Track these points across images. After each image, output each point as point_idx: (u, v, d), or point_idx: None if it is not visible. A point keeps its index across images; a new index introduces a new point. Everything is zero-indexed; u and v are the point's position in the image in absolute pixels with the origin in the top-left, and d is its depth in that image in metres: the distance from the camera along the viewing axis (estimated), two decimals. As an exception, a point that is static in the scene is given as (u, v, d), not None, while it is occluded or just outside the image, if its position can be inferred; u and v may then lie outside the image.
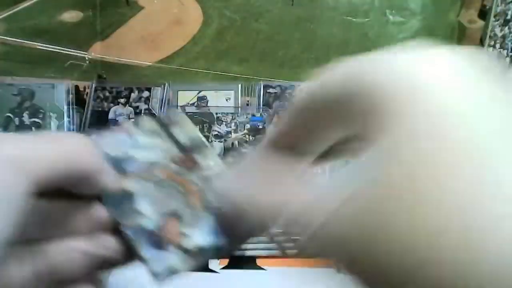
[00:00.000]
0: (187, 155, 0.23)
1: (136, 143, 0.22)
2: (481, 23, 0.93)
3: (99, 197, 0.21)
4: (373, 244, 0.13)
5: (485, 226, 0.11)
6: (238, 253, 0.60)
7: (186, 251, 0.21)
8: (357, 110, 0.15)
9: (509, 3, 0.86)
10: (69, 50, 0.97)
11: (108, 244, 0.21)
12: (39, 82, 0.85)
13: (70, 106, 0.83)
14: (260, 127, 0.80)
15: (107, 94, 0.86)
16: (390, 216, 0.12)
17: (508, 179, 0.12)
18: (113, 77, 0.97)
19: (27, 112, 0.82)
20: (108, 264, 0.21)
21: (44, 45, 0.96)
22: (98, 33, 0.98)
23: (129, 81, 0.91)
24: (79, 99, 0.87)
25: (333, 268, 0.56)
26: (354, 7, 0.97)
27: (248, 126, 0.80)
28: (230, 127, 0.80)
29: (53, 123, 0.82)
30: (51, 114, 0.82)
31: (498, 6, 0.88)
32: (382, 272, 0.13)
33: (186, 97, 0.86)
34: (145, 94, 0.85)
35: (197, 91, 0.86)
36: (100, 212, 0.21)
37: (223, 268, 0.58)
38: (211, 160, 0.22)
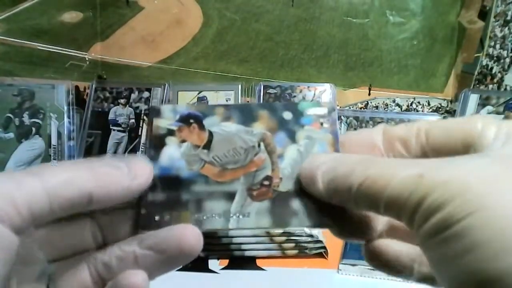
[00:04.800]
0: None
1: None
2: (481, 23, 0.93)
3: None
4: None
5: None
6: (238, 253, 0.60)
7: None
8: None
9: (509, 3, 0.86)
10: (69, 50, 0.97)
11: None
12: (39, 83, 0.85)
13: (70, 107, 0.83)
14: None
15: (107, 94, 0.86)
16: None
17: None
18: (113, 78, 0.98)
19: (27, 112, 0.82)
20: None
21: (44, 45, 0.96)
22: (98, 33, 0.98)
23: (129, 81, 0.91)
24: (79, 100, 0.87)
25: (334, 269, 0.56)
26: (354, 7, 0.97)
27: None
28: (230, 127, 0.80)
29: (53, 123, 0.82)
30: (51, 114, 0.82)
31: (498, 6, 0.88)
32: None
33: (186, 97, 0.86)
34: (145, 94, 0.85)
35: (197, 91, 0.86)
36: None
37: (223, 268, 0.58)
38: None
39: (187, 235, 0.21)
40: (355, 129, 0.81)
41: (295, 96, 0.84)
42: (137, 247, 0.21)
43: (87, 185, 0.19)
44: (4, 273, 0.17)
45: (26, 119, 0.82)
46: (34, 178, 0.18)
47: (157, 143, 0.25)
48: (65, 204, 0.19)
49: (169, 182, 0.24)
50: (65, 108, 0.82)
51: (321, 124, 0.25)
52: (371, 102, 0.99)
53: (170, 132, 0.25)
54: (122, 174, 0.21)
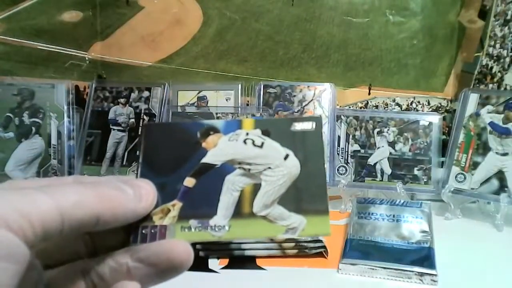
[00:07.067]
0: None
1: None
2: (481, 23, 0.93)
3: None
4: None
5: None
6: (238, 253, 0.60)
7: None
8: None
9: (509, 3, 0.86)
10: (69, 50, 0.97)
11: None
12: (39, 82, 0.85)
13: (70, 106, 0.83)
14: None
15: (107, 94, 0.86)
16: None
17: None
18: (113, 77, 0.98)
19: (27, 112, 0.82)
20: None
21: (44, 45, 0.96)
22: (98, 33, 0.98)
23: (129, 81, 0.91)
24: (79, 99, 0.87)
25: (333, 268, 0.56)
26: (354, 7, 0.97)
27: (248, 126, 0.79)
28: (230, 127, 0.80)
29: (53, 123, 0.82)
30: (51, 114, 0.82)
31: (498, 6, 0.88)
32: None
33: (186, 97, 0.86)
34: (145, 94, 0.85)
35: (197, 91, 0.86)
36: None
37: (223, 268, 0.58)
38: None
39: (177, 249, 0.22)
40: (355, 129, 0.81)
41: (295, 96, 0.84)
42: (130, 259, 0.22)
43: (96, 208, 0.20)
44: (14, 284, 0.17)
45: (26, 118, 0.82)
46: (47, 198, 0.19)
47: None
48: (75, 225, 0.19)
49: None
50: (65, 107, 0.82)
51: None
52: (371, 102, 0.99)
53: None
54: (128, 197, 0.22)
